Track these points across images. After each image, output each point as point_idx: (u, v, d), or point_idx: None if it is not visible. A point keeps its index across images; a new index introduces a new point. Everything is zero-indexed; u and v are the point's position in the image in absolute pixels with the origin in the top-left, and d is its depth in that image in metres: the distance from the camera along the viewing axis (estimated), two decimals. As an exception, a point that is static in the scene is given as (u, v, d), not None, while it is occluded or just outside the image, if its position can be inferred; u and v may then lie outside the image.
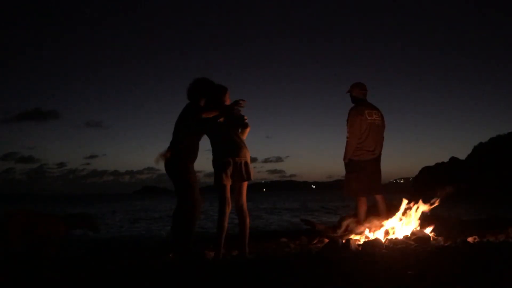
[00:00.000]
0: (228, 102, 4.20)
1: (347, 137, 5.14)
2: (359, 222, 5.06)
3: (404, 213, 4.92)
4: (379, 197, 5.16)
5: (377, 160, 5.19)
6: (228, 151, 3.97)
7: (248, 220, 4.06)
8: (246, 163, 4.02)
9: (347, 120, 5.13)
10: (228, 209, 3.96)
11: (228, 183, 3.96)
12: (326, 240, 4.90)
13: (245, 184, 4.07)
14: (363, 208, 5.14)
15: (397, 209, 5.01)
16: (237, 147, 4.01)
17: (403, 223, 4.85)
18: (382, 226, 4.87)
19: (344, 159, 5.18)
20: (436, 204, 4.96)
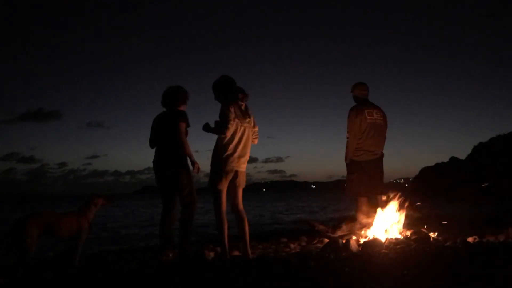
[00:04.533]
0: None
1: (347, 138, 5.14)
2: (360, 223, 5.06)
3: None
4: (381, 198, 5.15)
5: (379, 160, 5.17)
6: (238, 161, 3.98)
7: (246, 222, 4.08)
8: (243, 173, 4.08)
9: (347, 121, 5.13)
10: (224, 209, 3.97)
11: (225, 188, 3.97)
12: (326, 240, 4.90)
13: (240, 188, 4.11)
14: (363, 209, 5.13)
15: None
16: (246, 158, 4.06)
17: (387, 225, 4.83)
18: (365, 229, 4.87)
19: (346, 159, 5.18)
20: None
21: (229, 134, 3.89)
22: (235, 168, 3.97)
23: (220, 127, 3.89)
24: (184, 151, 4.24)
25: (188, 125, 4.34)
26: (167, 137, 4.29)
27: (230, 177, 3.96)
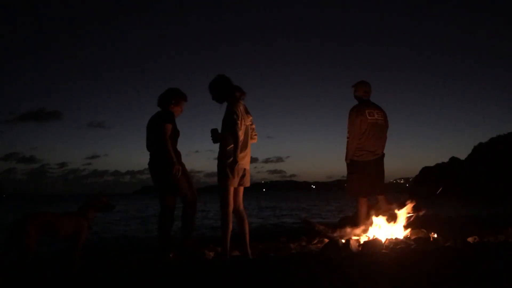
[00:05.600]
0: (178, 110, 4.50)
1: (347, 138, 5.14)
2: (360, 223, 5.06)
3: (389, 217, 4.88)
4: (381, 198, 5.15)
5: (380, 160, 5.17)
6: (245, 158, 3.99)
7: (247, 221, 4.10)
8: (249, 170, 4.09)
9: (348, 121, 5.13)
10: (231, 208, 3.98)
11: (233, 186, 3.98)
12: (326, 240, 4.90)
13: (242, 188, 4.12)
14: (364, 209, 5.13)
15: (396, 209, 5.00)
16: (249, 154, 4.07)
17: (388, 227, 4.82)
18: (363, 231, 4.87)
19: (346, 159, 5.18)
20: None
21: (242, 134, 3.90)
22: (244, 166, 3.99)
23: (233, 130, 3.86)
24: (166, 152, 4.22)
25: (173, 125, 4.35)
26: (158, 139, 4.30)
27: (240, 175, 3.98)
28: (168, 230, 4.36)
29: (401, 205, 4.91)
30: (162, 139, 4.23)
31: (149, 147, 4.46)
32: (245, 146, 3.98)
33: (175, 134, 4.38)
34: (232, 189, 3.97)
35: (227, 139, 3.93)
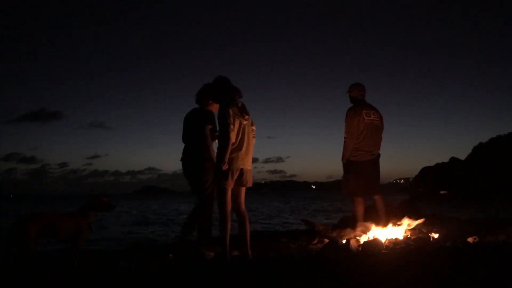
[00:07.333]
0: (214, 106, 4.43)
1: (344, 138, 5.14)
2: (357, 223, 5.06)
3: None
4: (377, 197, 5.16)
5: (375, 160, 5.18)
6: (242, 158, 3.98)
7: (248, 222, 4.09)
8: (249, 171, 4.07)
9: (345, 121, 5.14)
10: (229, 208, 3.98)
11: (230, 187, 3.98)
12: (326, 240, 4.90)
13: (243, 188, 4.11)
14: (360, 209, 5.14)
15: (393, 211, 5.01)
16: (250, 155, 4.06)
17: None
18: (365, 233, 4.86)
19: (342, 159, 5.19)
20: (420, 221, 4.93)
21: (233, 136, 3.88)
22: (240, 166, 3.97)
23: (222, 137, 3.87)
24: (207, 155, 4.26)
25: (213, 126, 4.33)
26: (193, 137, 4.32)
27: (236, 176, 3.96)
28: (192, 223, 4.51)
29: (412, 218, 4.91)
30: (202, 141, 4.27)
31: (184, 140, 4.48)
32: (241, 146, 3.94)
33: (214, 133, 4.40)
34: (228, 190, 3.97)
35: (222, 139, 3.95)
